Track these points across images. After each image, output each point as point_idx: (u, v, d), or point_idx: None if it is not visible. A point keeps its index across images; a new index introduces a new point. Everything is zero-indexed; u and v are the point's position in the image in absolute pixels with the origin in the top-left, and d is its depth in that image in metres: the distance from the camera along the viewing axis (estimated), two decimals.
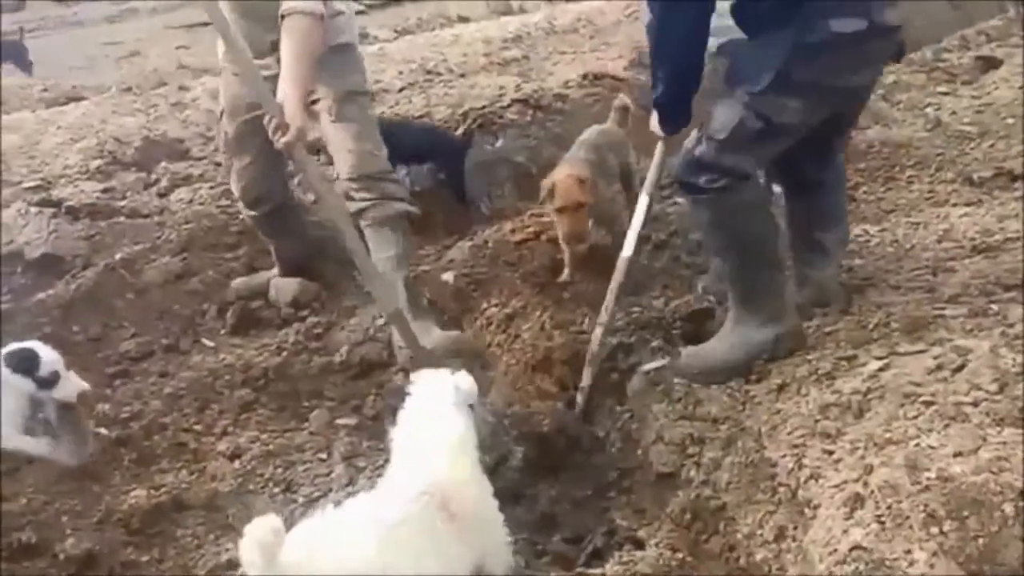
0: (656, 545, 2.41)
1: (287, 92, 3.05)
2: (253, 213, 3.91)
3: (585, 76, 5.85)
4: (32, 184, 4.77)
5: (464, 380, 2.31)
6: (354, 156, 3.51)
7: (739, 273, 2.81)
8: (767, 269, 2.78)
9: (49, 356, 2.86)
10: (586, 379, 3.09)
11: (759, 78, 2.53)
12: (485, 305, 3.65)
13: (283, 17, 3.12)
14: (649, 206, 2.95)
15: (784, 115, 2.56)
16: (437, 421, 2.23)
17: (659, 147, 2.91)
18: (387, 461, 2.91)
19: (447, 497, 2.09)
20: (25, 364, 2.83)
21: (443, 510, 2.08)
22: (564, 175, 3.62)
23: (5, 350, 2.84)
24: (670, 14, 2.51)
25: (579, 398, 3.09)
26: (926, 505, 1.89)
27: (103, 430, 3.23)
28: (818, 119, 2.67)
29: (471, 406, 2.30)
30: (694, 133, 2.73)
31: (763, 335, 2.80)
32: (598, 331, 3.08)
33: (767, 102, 2.54)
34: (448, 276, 3.87)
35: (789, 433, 2.41)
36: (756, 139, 2.60)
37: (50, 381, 2.85)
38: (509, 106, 5.45)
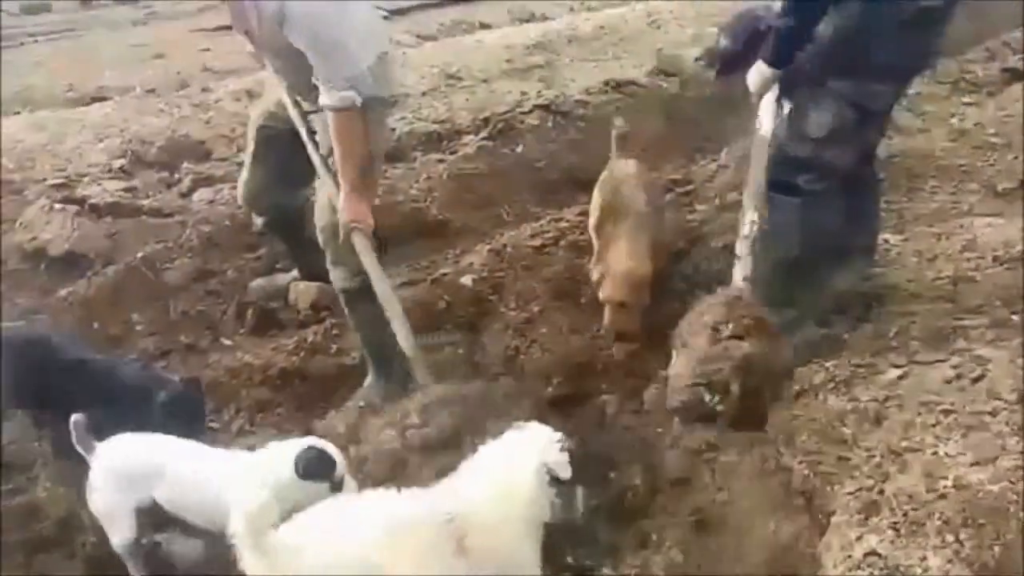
0: (668, 548, 2.40)
1: (344, 192, 3.05)
2: (260, 219, 3.93)
3: (607, 83, 5.87)
4: (56, 182, 4.84)
5: (555, 454, 2.13)
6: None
7: (781, 281, 2.79)
8: (806, 283, 2.78)
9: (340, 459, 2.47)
10: (747, 269, 2.74)
11: (851, 67, 2.49)
12: (503, 309, 3.66)
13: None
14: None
15: (877, 101, 2.53)
16: (512, 470, 2.13)
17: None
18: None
19: (466, 530, 2.04)
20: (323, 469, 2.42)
21: (455, 539, 2.03)
22: (622, 267, 3.23)
23: (298, 450, 2.42)
24: None
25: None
26: (942, 512, 1.88)
27: None
28: (897, 101, 2.66)
29: (554, 481, 2.13)
30: (782, 128, 2.68)
31: None
32: (752, 214, 2.76)
33: (860, 91, 2.50)
34: (467, 280, 3.88)
35: (805, 440, 2.40)
36: (854, 130, 2.58)
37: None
38: (530, 112, 5.49)
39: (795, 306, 2.80)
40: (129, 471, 2.58)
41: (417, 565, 1.98)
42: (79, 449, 2.63)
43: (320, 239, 3.33)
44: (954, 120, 5.00)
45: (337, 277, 3.33)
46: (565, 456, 2.12)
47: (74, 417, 2.62)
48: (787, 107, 2.70)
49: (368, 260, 3.14)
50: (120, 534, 2.59)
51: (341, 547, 1.95)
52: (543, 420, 3.09)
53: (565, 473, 2.11)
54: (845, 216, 2.93)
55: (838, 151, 2.60)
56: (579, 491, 2.18)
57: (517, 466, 2.12)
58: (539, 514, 2.12)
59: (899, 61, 2.48)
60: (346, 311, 3.43)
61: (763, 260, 2.81)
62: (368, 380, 3.47)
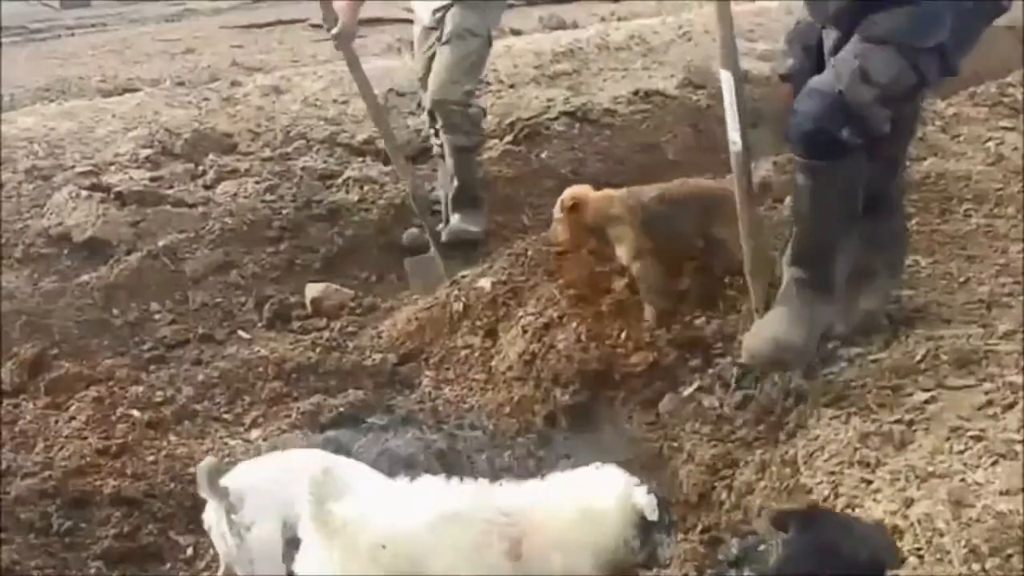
0: (680, 564, 2.35)
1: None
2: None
3: (635, 93, 5.83)
4: (84, 169, 4.87)
5: (643, 495, 2.05)
6: (435, 81, 4.08)
7: (820, 236, 2.71)
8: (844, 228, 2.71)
9: None
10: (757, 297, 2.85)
11: (930, 32, 2.44)
12: (521, 313, 3.61)
13: None
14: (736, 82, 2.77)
15: (931, 73, 2.49)
16: (597, 496, 2.06)
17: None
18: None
19: (525, 534, 1.98)
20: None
21: (509, 540, 1.97)
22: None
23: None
24: None
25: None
26: (968, 540, 1.81)
27: (135, 412, 3.26)
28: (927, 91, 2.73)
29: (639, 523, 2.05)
30: (837, 73, 2.57)
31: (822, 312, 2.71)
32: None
33: (925, 58, 2.46)
34: (485, 282, 3.84)
35: (826, 460, 2.34)
36: (907, 95, 2.55)
37: None
38: (556, 118, 5.46)
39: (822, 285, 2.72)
40: None
41: (458, 558, 1.95)
42: None
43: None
44: (991, 143, 4.90)
45: (453, 139, 4.12)
46: (653, 499, 2.04)
47: None
48: (849, 52, 2.54)
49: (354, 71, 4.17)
50: None
51: (392, 528, 1.94)
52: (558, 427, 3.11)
53: (653, 515, 2.03)
54: (869, 238, 2.84)
55: (886, 112, 2.51)
56: (665, 541, 2.09)
57: (603, 494, 2.06)
58: (609, 547, 2.03)
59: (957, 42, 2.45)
60: (453, 164, 4.19)
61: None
62: (456, 218, 4.24)
